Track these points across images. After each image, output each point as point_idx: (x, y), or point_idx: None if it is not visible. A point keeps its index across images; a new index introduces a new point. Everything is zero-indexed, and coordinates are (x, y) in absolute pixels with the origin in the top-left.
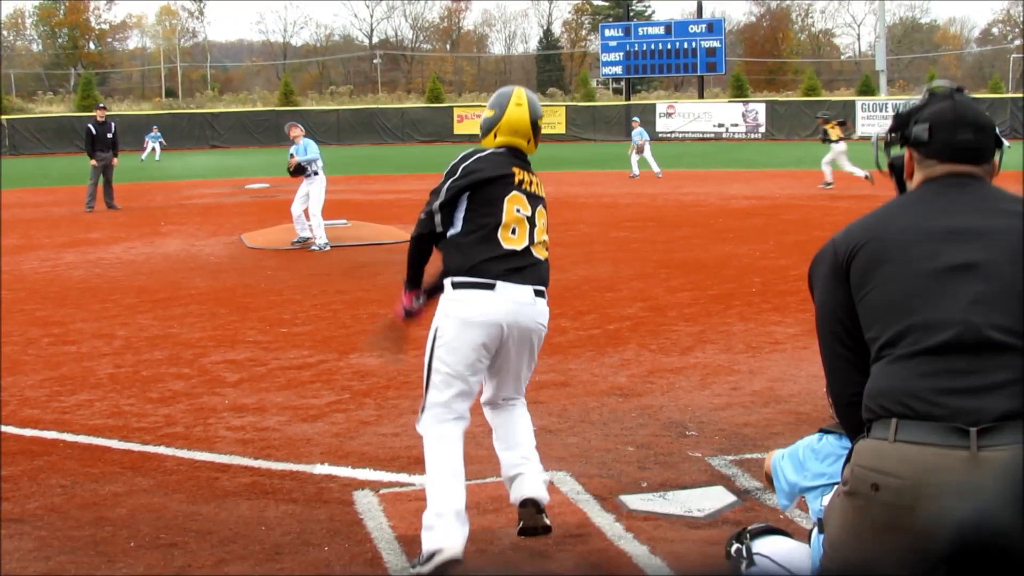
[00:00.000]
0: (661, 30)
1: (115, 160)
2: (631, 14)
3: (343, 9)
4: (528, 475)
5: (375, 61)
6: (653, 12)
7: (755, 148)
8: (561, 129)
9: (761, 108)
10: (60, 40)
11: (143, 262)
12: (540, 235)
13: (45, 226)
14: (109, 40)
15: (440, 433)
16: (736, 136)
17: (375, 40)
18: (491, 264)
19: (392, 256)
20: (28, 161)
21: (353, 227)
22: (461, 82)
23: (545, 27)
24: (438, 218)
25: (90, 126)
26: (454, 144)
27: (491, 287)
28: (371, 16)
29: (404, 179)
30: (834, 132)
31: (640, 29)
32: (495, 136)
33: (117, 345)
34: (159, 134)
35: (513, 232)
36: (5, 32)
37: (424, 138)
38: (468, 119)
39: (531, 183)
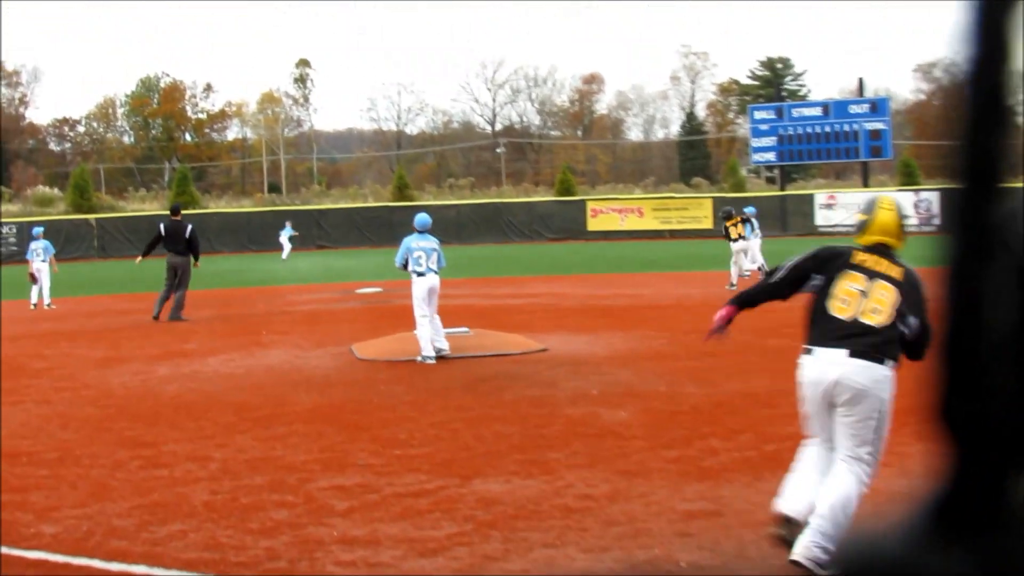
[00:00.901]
0: (818, 111)
1: (196, 263)
2: (783, 94)
3: (462, 94)
4: (803, 533)
5: (499, 150)
6: (808, 92)
7: (929, 244)
8: (708, 224)
9: (934, 197)
10: (154, 131)
11: (243, 375)
12: (872, 305)
13: (136, 335)
14: (207, 131)
15: (803, 453)
16: (907, 229)
17: (498, 127)
18: (818, 332)
19: (520, 368)
20: (118, 265)
21: (476, 335)
22: (595, 172)
23: (688, 110)
24: (784, 290)
25: (161, 227)
26: (587, 242)
27: (811, 352)
28: (493, 101)
29: (532, 282)
30: (735, 230)
31: (794, 110)
32: (866, 235)
33: (213, 469)
34: (291, 229)
35: (844, 303)
36: (95, 124)
37: (554, 235)
38: (604, 214)
39: (877, 263)
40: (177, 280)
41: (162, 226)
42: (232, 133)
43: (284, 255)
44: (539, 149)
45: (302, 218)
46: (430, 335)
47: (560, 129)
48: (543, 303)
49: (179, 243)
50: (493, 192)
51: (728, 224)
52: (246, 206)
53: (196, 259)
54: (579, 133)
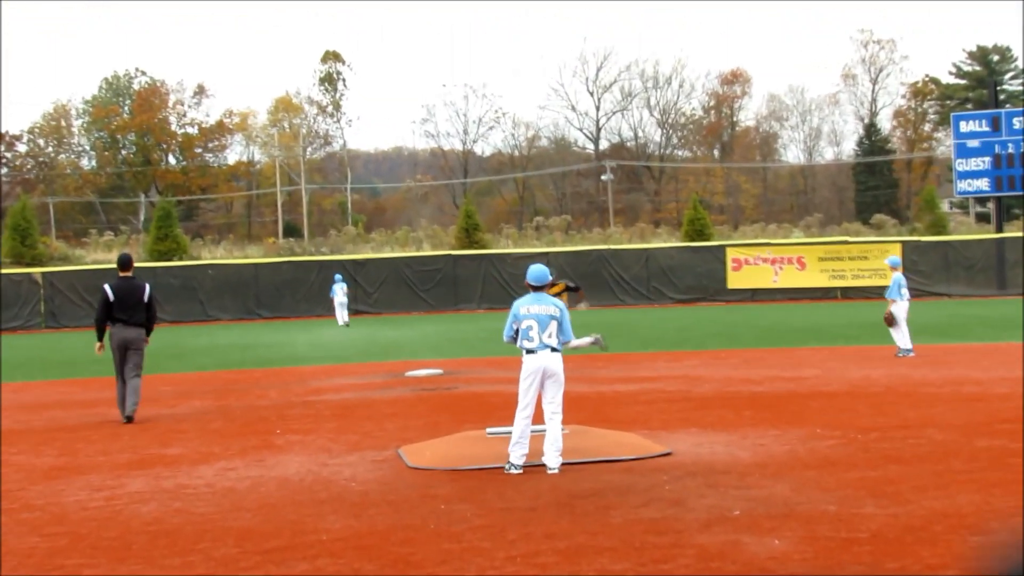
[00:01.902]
0: None
1: (147, 339)
2: (1001, 97)
3: (553, 99)
4: None
5: (604, 177)
6: None
7: None
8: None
9: None
10: (124, 151)
11: (247, 491)
12: None
13: (99, 436)
14: (198, 151)
15: None
16: None
17: (603, 144)
18: None
19: (633, 479)
20: (73, 337)
21: (573, 434)
22: (737, 208)
23: (867, 120)
24: None
25: (107, 288)
26: (727, 304)
27: None
28: (597, 109)
29: (651, 360)
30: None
31: (1016, 120)
32: None
33: None
34: (343, 282)
35: None
36: (41, 141)
37: (681, 295)
38: (751, 265)
39: None
40: (129, 363)
41: (108, 287)
42: (234, 154)
43: (342, 318)
44: (660, 176)
45: (331, 272)
46: (524, 434)
47: (689, 148)
48: (666, 389)
49: (131, 310)
50: (596, 236)
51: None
52: (253, 256)
53: (148, 333)
54: (716, 153)
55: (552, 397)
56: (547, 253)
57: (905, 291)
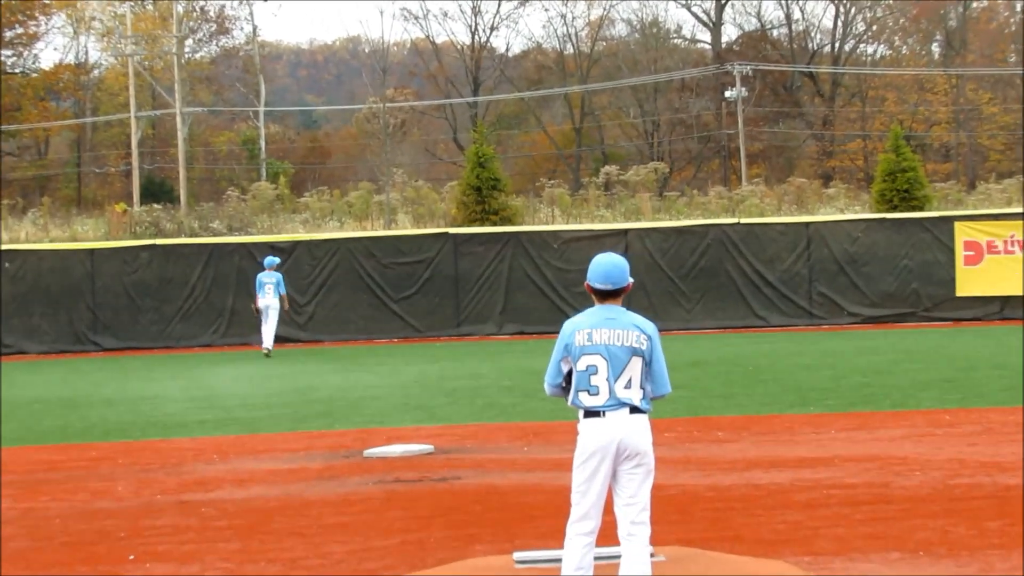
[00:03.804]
0: None
1: None
2: None
3: None
4: None
5: (731, 93)
6: None
7: None
8: None
9: None
10: None
11: None
12: None
13: None
14: None
15: None
16: None
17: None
18: None
19: None
20: None
21: (671, 562)
22: (974, 150)
23: None
24: None
25: None
26: (954, 325)
27: None
28: None
29: (815, 425)
30: None
31: None
32: None
33: None
34: (278, 262)
35: None
36: None
37: (870, 309)
38: (997, 253)
39: None
40: None
41: None
42: (53, 52)
43: (267, 341)
44: (833, 92)
45: (229, 263)
46: (583, 563)
47: (887, 41)
48: (843, 479)
49: None
50: (715, 201)
51: None
52: (86, 237)
53: None
54: (935, 51)
55: (632, 495)
56: (626, 232)
57: None
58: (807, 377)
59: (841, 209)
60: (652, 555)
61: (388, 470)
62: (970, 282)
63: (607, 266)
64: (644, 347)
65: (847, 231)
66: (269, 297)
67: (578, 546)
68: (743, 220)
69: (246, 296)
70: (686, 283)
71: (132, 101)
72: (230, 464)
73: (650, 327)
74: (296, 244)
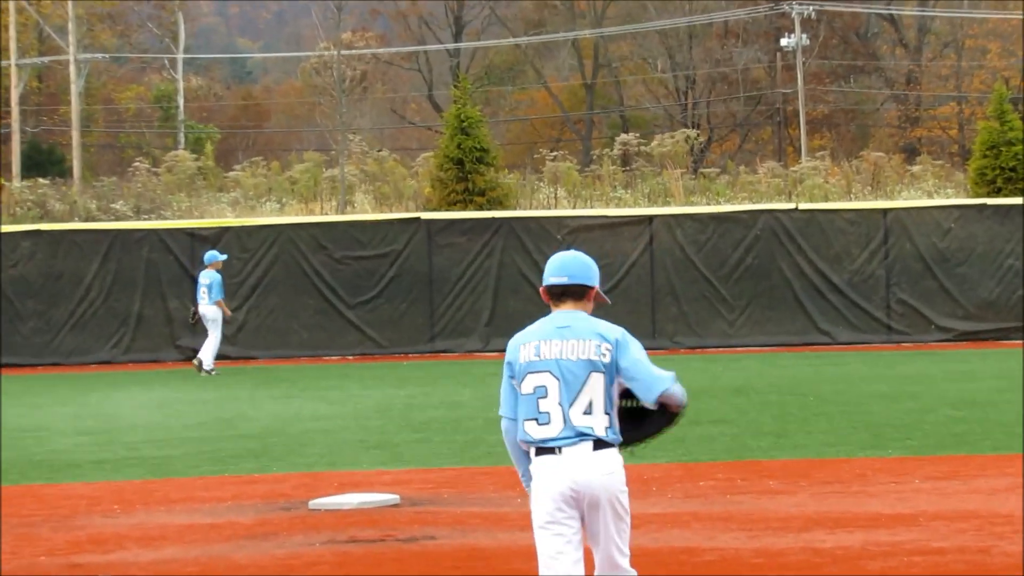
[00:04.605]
0: None
1: None
2: None
3: None
4: None
5: (788, 42)
6: None
7: None
8: None
9: None
10: None
11: None
12: None
13: None
14: None
15: None
16: None
17: None
18: None
19: None
20: None
21: None
22: None
23: None
24: None
25: None
26: None
27: None
28: None
29: (895, 472)
30: None
31: None
32: None
33: None
34: (214, 275)
35: None
36: None
37: (966, 322)
38: None
39: None
40: None
41: None
42: None
43: (208, 360)
44: (920, 42)
45: (135, 259)
46: None
47: None
48: (930, 542)
49: None
50: (766, 180)
51: None
52: None
53: None
54: None
55: (605, 551)
56: (650, 219)
57: None
58: (883, 410)
59: (929, 192)
60: None
61: (341, 527)
62: None
63: (564, 257)
64: (607, 359)
65: (936, 221)
66: (203, 303)
67: None
68: (802, 205)
69: (157, 299)
70: (728, 287)
71: (12, 44)
72: (135, 517)
73: (615, 331)
74: (223, 231)
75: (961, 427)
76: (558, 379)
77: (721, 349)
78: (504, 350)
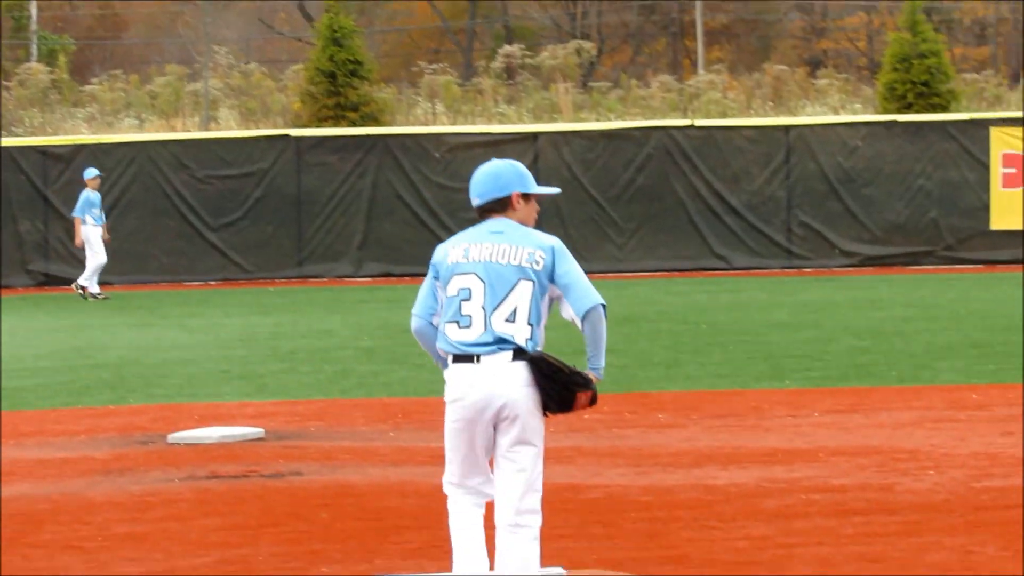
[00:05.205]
0: None
1: None
2: None
3: None
4: None
5: None
6: None
7: None
8: None
9: None
10: None
11: None
12: None
13: None
14: None
15: None
16: None
17: None
18: None
19: None
20: None
21: None
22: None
23: None
24: None
25: None
26: (987, 269)
27: None
28: None
29: (795, 405)
30: None
31: None
32: None
33: None
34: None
35: None
36: None
37: (872, 246)
38: None
39: None
40: None
41: None
42: None
43: (84, 281)
44: None
45: None
46: (477, 548)
47: None
48: (830, 480)
49: None
50: (660, 95)
51: None
52: None
53: None
54: None
55: (519, 470)
56: (535, 136)
57: None
58: (782, 339)
59: (835, 109)
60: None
61: (201, 462)
62: (1010, 211)
63: (475, 176)
64: (539, 267)
65: (842, 139)
66: (89, 223)
67: (465, 523)
68: (698, 122)
69: (8, 220)
70: (618, 208)
71: None
72: None
73: (552, 240)
74: (77, 150)
75: (865, 357)
76: (484, 282)
77: (610, 275)
78: (377, 275)
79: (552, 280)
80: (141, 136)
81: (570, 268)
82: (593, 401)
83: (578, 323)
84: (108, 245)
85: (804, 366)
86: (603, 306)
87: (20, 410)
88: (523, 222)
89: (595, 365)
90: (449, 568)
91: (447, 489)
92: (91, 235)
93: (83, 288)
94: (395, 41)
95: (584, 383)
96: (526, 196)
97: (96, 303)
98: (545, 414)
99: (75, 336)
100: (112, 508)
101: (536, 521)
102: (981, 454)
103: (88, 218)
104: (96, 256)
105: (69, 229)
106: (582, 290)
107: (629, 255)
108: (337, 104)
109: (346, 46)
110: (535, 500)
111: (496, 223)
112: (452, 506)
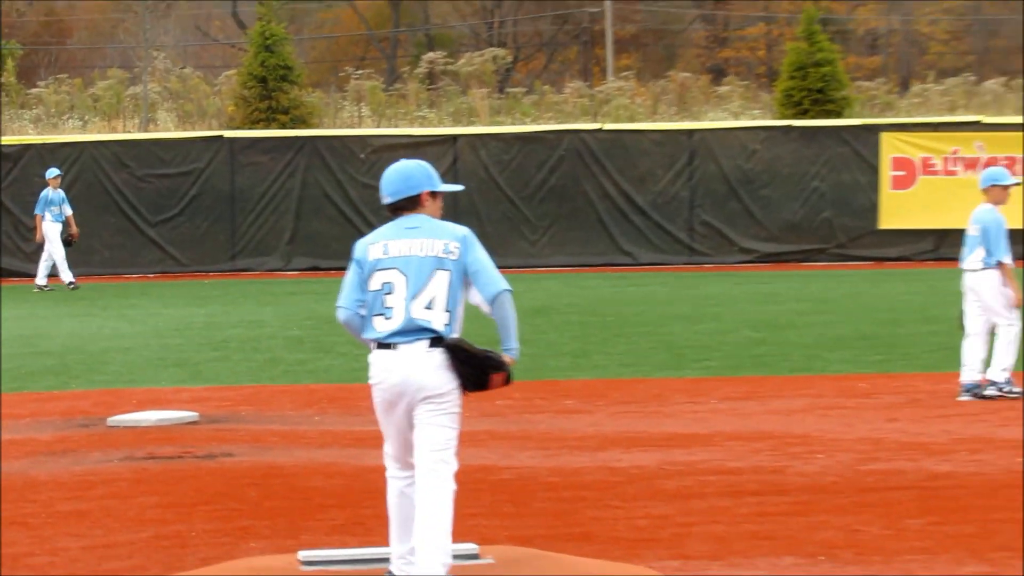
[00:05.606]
0: None
1: None
2: None
3: None
4: None
5: None
6: None
7: None
8: None
9: None
10: None
11: None
12: None
13: None
14: None
15: None
16: None
17: None
18: None
19: None
20: None
21: (501, 563)
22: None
23: None
24: None
25: None
26: (876, 266)
27: None
28: None
29: (693, 393)
30: None
31: None
32: None
33: None
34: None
35: None
36: None
37: (768, 245)
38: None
39: None
40: None
41: None
42: None
43: (63, 271)
44: None
45: None
46: (410, 519)
47: None
48: (726, 462)
49: None
50: (571, 100)
51: None
52: None
53: None
54: None
55: (434, 442)
56: (455, 139)
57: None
58: (684, 331)
59: (735, 113)
60: (478, 556)
61: (139, 443)
62: (898, 211)
63: (386, 175)
64: (454, 256)
65: (742, 142)
66: (48, 218)
67: (400, 479)
68: (607, 126)
69: None
70: (531, 207)
71: None
72: None
73: (462, 230)
74: (24, 149)
75: (760, 348)
76: (404, 275)
77: (523, 269)
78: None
79: (454, 268)
80: (84, 136)
81: (479, 256)
82: (508, 380)
83: (485, 308)
84: (77, 239)
85: (703, 356)
86: (509, 291)
87: None
88: (431, 216)
89: (508, 346)
90: (371, 544)
91: (384, 461)
92: (49, 231)
93: (72, 282)
94: (323, 48)
95: (498, 365)
96: (434, 194)
97: (41, 294)
98: (464, 393)
99: (20, 325)
100: (55, 487)
101: (449, 468)
102: (867, 439)
103: (47, 215)
104: (56, 251)
105: (16, 224)
106: (489, 277)
107: (541, 251)
108: (268, 107)
109: (277, 52)
110: (450, 455)
111: (410, 219)
112: (389, 477)
